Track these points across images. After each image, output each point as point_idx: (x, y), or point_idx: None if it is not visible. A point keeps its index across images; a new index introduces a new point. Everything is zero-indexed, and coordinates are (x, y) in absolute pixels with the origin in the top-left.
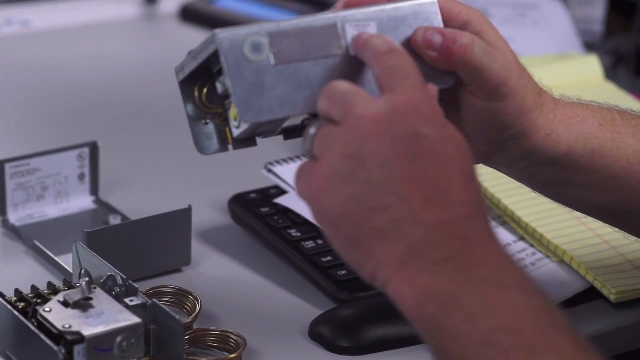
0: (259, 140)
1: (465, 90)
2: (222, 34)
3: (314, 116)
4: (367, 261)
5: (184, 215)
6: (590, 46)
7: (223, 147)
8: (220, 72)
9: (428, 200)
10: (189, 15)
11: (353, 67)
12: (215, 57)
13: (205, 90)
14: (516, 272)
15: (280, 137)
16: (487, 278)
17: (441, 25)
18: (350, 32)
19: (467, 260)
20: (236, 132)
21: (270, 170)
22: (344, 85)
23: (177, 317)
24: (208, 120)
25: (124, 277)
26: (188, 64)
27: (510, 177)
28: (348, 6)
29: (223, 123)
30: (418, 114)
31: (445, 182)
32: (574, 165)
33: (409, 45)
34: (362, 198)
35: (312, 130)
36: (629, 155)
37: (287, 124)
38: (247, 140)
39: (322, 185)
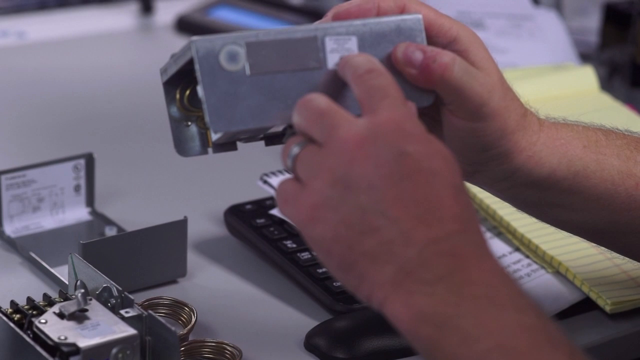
0: (254, 151)
1: (446, 109)
2: (199, 42)
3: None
4: (361, 284)
5: (179, 227)
6: (585, 57)
7: (203, 149)
8: None
9: (417, 219)
10: (184, 26)
11: (330, 81)
12: (193, 63)
13: (187, 93)
14: (510, 288)
15: (276, 147)
16: (480, 297)
17: (424, 42)
18: (330, 46)
19: (459, 279)
20: (214, 137)
21: (265, 182)
22: (321, 102)
23: (173, 328)
24: (190, 123)
25: (120, 288)
26: (170, 66)
27: (494, 195)
28: (336, 19)
29: (204, 126)
30: (401, 133)
31: (433, 199)
32: (557, 186)
33: (390, 61)
34: (352, 223)
35: (294, 150)
36: (614, 175)
37: (267, 130)
38: (227, 145)
39: (311, 214)
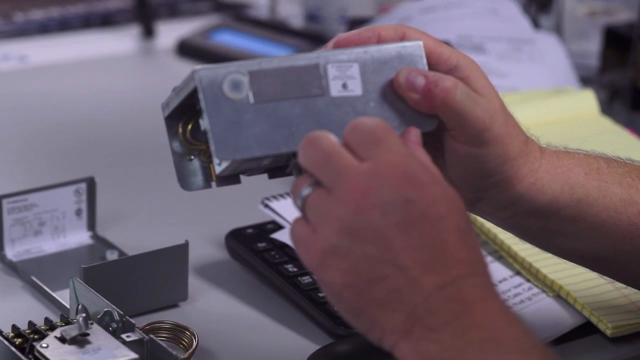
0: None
1: (448, 134)
2: (202, 71)
3: (295, 155)
4: (371, 329)
5: (180, 251)
6: (585, 80)
7: (207, 183)
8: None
9: (425, 266)
10: (186, 50)
11: (333, 108)
12: (196, 93)
13: (189, 127)
14: (515, 329)
15: None
16: (486, 340)
17: (426, 67)
18: (332, 73)
19: (465, 323)
20: (218, 169)
21: (267, 206)
22: (325, 143)
23: (174, 352)
24: (192, 157)
25: (121, 312)
26: (172, 100)
27: (496, 225)
28: (338, 46)
29: (207, 159)
30: (404, 180)
31: (440, 245)
32: (559, 214)
33: (392, 87)
34: (360, 271)
35: (304, 192)
36: (615, 203)
37: (270, 162)
38: (230, 178)
39: (321, 260)
